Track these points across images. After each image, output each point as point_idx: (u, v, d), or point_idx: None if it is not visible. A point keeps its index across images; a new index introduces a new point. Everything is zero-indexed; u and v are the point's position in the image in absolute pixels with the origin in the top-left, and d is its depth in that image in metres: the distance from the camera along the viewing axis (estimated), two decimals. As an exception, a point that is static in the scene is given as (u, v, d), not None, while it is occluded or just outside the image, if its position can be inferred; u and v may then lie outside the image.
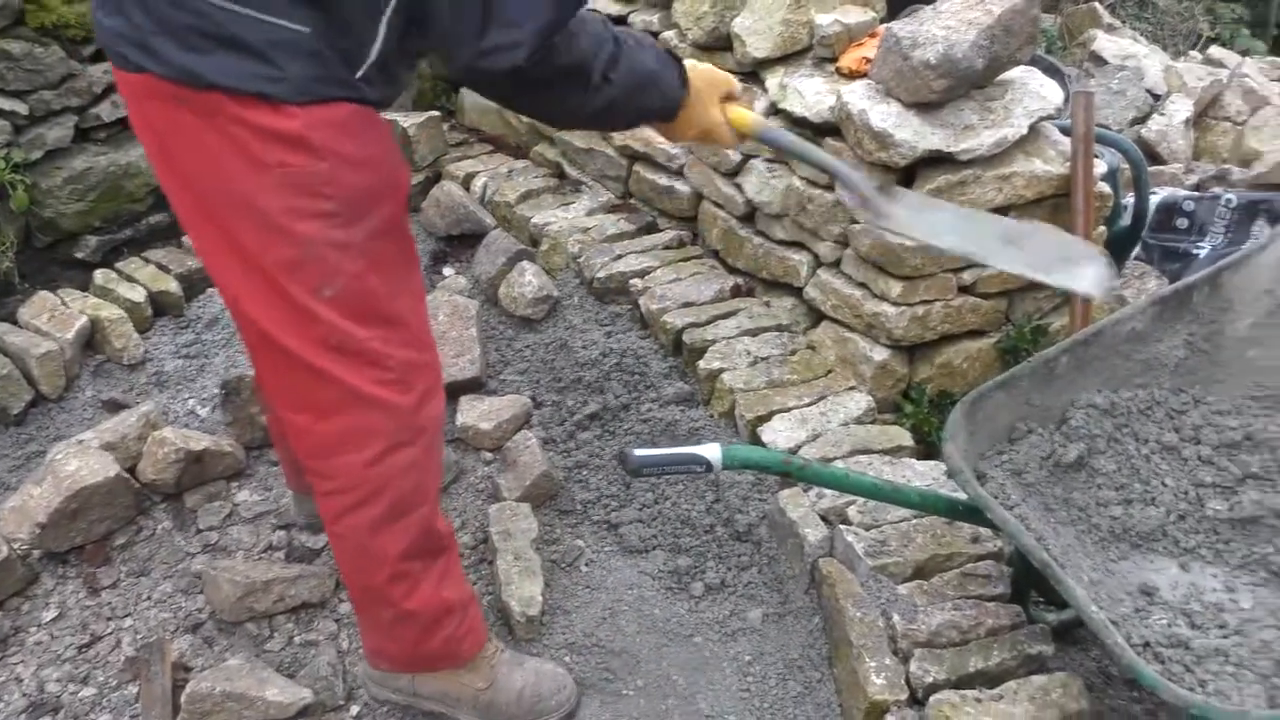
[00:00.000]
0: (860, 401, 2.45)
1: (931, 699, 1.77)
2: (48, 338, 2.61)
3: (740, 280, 2.85)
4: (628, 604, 2.21)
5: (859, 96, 2.40)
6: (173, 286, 2.87)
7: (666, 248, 3.01)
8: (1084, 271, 1.76)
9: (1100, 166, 2.57)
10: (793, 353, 2.62)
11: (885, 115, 2.34)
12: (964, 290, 2.48)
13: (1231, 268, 1.96)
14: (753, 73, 2.76)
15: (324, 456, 1.67)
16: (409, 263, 1.65)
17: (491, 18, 1.38)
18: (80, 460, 2.22)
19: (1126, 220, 2.89)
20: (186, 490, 2.35)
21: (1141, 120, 4.20)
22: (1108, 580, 1.73)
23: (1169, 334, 1.95)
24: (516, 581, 2.15)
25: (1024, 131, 2.37)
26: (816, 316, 2.67)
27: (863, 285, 2.51)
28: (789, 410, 2.43)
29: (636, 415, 2.57)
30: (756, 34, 2.70)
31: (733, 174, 2.83)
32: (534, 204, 3.26)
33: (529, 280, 2.89)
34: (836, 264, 2.59)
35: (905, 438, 2.37)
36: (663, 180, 3.09)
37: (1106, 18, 5.36)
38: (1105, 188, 2.56)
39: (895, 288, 2.41)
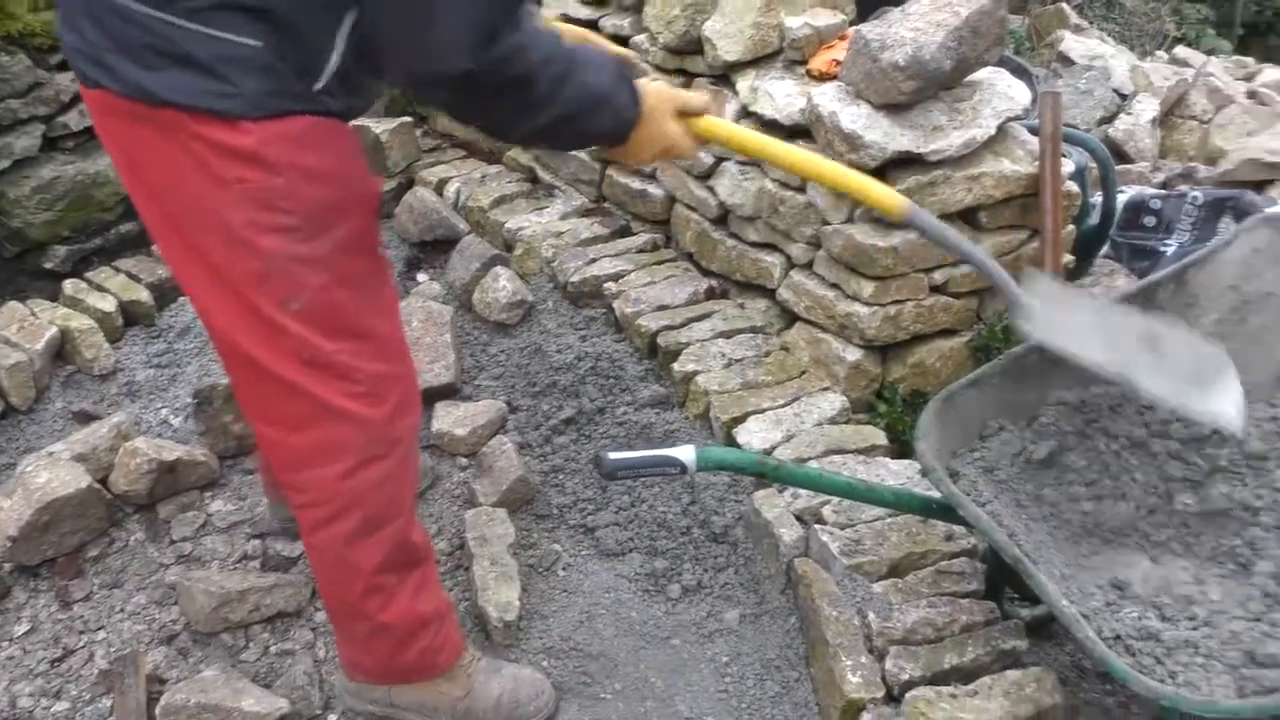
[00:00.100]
0: (834, 402, 2.47)
1: (907, 696, 1.78)
2: (17, 349, 2.59)
3: (714, 283, 2.86)
4: (605, 607, 2.21)
5: (829, 99, 2.42)
6: (144, 296, 2.85)
7: (640, 251, 3.02)
8: (1221, 400, 1.69)
9: (1068, 166, 2.59)
10: (767, 354, 2.63)
11: (855, 117, 2.36)
12: (935, 290, 2.50)
13: (1196, 264, 1.98)
14: (723, 76, 2.77)
15: (296, 469, 1.67)
16: (378, 276, 1.64)
17: (429, 22, 1.35)
18: (51, 472, 2.20)
19: (1095, 219, 2.92)
20: (160, 501, 2.34)
21: (1109, 119, 4.25)
22: (1079, 575, 1.74)
23: (1137, 331, 1.96)
24: (493, 587, 2.15)
25: (992, 132, 2.39)
26: (790, 318, 2.68)
27: (835, 286, 2.52)
28: (763, 411, 2.44)
29: (612, 419, 2.58)
30: (727, 37, 2.72)
31: (705, 177, 2.84)
32: (507, 209, 3.26)
33: (503, 285, 2.88)
34: (809, 265, 2.60)
35: (879, 437, 2.38)
36: (636, 184, 3.10)
37: (1074, 18, 5.42)
38: (1073, 186, 2.58)
39: (867, 288, 2.42)
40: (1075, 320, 1.80)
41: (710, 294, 2.84)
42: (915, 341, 2.54)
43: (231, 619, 2.09)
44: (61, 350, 2.70)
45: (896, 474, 2.23)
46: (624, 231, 3.13)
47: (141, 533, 2.29)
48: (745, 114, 2.67)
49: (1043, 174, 2.43)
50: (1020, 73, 2.95)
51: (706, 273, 2.90)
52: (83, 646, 2.08)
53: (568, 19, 3.22)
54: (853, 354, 2.49)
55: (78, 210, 2.91)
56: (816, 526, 2.12)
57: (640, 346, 2.73)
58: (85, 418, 2.55)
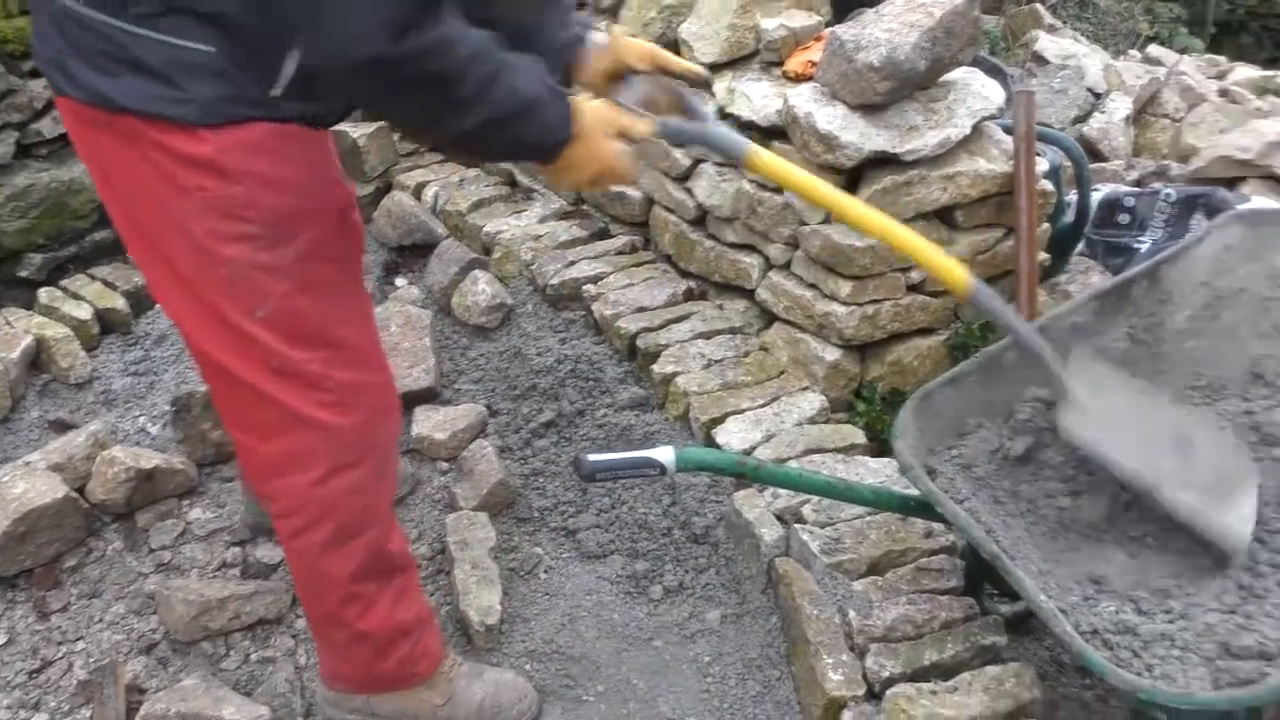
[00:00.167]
0: (813, 401, 2.48)
1: (888, 693, 1.79)
2: (-8, 358, 2.57)
3: (693, 284, 2.87)
4: (587, 609, 2.21)
5: (805, 99, 2.43)
6: (120, 303, 2.84)
7: (619, 253, 3.02)
8: (1235, 517, 1.69)
9: (1043, 164, 2.61)
10: (746, 354, 2.64)
11: (831, 117, 2.37)
12: (913, 289, 2.51)
13: (1169, 261, 2.00)
14: (700, 78, 2.78)
15: (269, 478, 1.68)
16: (346, 284, 1.62)
17: (330, 6, 1.28)
18: (27, 482, 2.18)
19: (1070, 217, 2.94)
20: (138, 509, 2.32)
21: (1083, 118, 4.28)
22: (1057, 570, 1.75)
23: (1111, 327, 1.98)
24: (474, 591, 2.15)
25: (967, 131, 2.41)
26: (769, 318, 2.69)
27: (813, 286, 2.53)
28: (743, 412, 2.45)
29: (592, 421, 2.58)
30: (703, 39, 2.73)
31: (683, 178, 2.84)
32: (486, 212, 3.26)
33: (482, 289, 2.88)
34: (787, 265, 2.61)
35: (858, 436, 2.39)
36: (613, 186, 3.09)
37: (1048, 18, 5.46)
38: (1048, 185, 2.60)
39: (845, 288, 2.43)
40: (1112, 411, 1.80)
41: (689, 295, 2.84)
42: (893, 340, 2.55)
43: (211, 627, 2.08)
44: (37, 359, 2.68)
45: (876, 472, 2.24)
46: (602, 234, 3.13)
47: (120, 542, 2.28)
48: (722, 116, 2.67)
49: (1017, 173, 2.45)
50: (995, 72, 2.98)
51: (685, 274, 2.90)
52: (61, 657, 2.06)
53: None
54: (831, 353, 2.50)
55: (52, 218, 2.89)
56: (797, 526, 2.13)
57: (620, 348, 2.73)
58: (62, 427, 2.53)
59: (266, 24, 1.32)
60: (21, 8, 2.75)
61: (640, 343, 2.67)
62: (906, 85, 2.36)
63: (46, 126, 2.84)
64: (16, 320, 2.72)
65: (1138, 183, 3.67)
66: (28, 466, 2.25)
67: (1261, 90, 4.98)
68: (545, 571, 2.30)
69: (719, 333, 2.70)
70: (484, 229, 3.16)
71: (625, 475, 1.72)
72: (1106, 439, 1.77)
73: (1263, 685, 1.43)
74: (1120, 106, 4.30)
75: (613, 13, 3.03)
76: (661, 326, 2.71)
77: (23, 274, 2.88)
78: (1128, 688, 1.46)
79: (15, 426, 2.56)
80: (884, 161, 2.37)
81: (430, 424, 2.54)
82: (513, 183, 3.42)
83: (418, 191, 3.41)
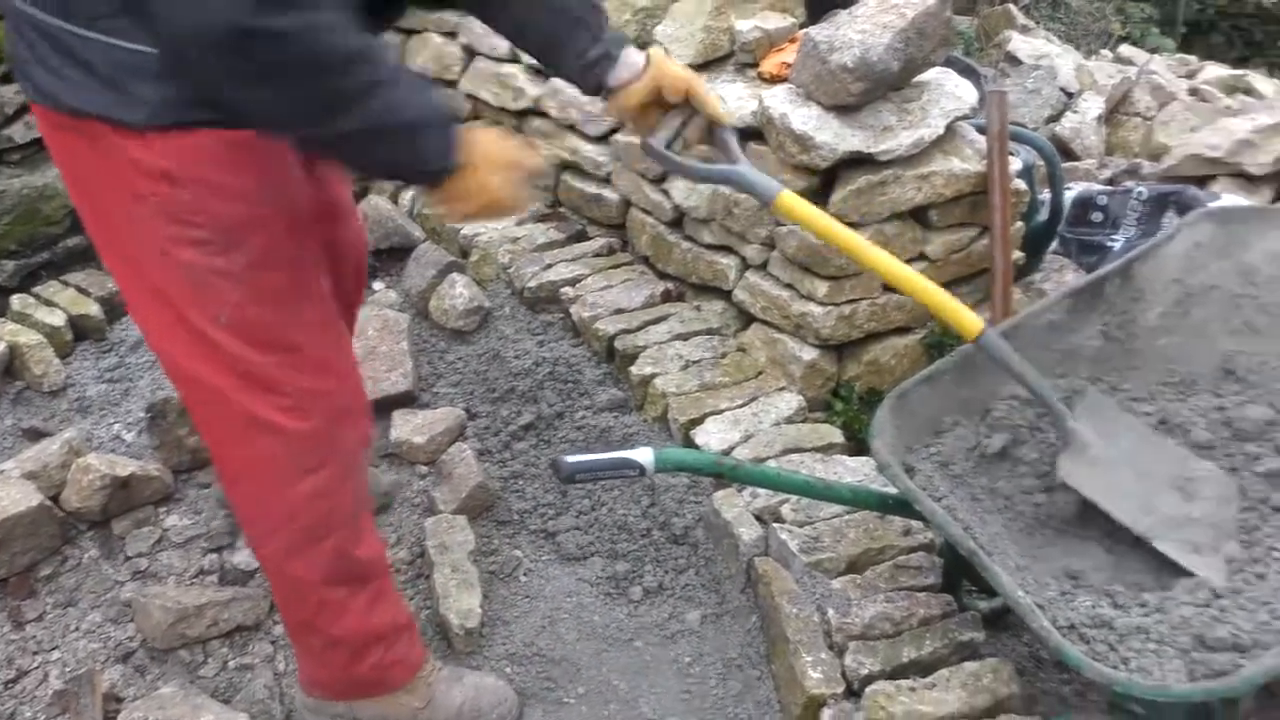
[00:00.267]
0: (791, 401, 2.49)
1: (867, 690, 1.80)
2: (-36, 366, 2.55)
3: (670, 285, 2.87)
4: (567, 612, 2.21)
5: (780, 100, 2.44)
6: (93, 310, 2.82)
7: (596, 255, 3.02)
8: (1219, 566, 1.71)
9: (1016, 164, 2.63)
10: (724, 355, 2.64)
11: (806, 118, 2.38)
12: (888, 288, 2.52)
13: (1141, 258, 2.02)
14: (675, 79, 2.78)
15: (233, 482, 1.69)
16: (301, 292, 1.59)
17: None
18: (1, 491, 2.16)
19: (1044, 215, 2.96)
20: (114, 517, 2.30)
21: (1056, 118, 4.31)
22: (1034, 566, 1.77)
23: (1085, 324, 2.00)
24: (454, 594, 2.14)
25: (941, 131, 2.42)
26: (746, 319, 2.70)
27: (790, 286, 2.54)
28: (721, 412, 2.45)
29: (571, 423, 2.58)
30: (679, 41, 2.73)
31: (660, 180, 2.85)
32: (462, 216, 3.25)
33: (460, 292, 2.88)
34: (764, 266, 2.62)
35: (836, 435, 2.40)
36: (591, 188, 3.10)
37: (1021, 19, 5.50)
38: (1021, 184, 2.62)
39: (821, 288, 2.44)
40: (1114, 453, 1.82)
41: (667, 297, 2.85)
42: (870, 340, 2.56)
43: (189, 634, 2.07)
44: (10, 366, 2.65)
45: (854, 471, 2.25)
46: (580, 236, 3.13)
47: (95, 550, 2.26)
48: (697, 117, 2.68)
49: (991, 172, 2.46)
50: (968, 73, 2.99)
51: (663, 275, 2.91)
52: (37, 667, 2.05)
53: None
54: (808, 353, 2.51)
55: (24, 224, 2.87)
56: (775, 525, 2.14)
57: (598, 350, 2.73)
58: (35, 435, 2.51)
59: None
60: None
61: (618, 344, 2.68)
62: (880, 86, 2.37)
63: (18, 132, 2.82)
64: (-11, 327, 2.70)
65: (1110, 181, 3.70)
66: (1, 475, 2.23)
67: (1231, 89, 5.03)
68: (525, 574, 2.30)
69: (697, 334, 2.71)
70: (461, 232, 3.15)
71: (604, 477, 1.72)
72: (1105, 484, 1.79)
73: (1236, 677, 1.45)
74: (1092, 106, 4.34)
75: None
76: (640, 328, 2.71)
77: (-6, 281, 2.86)
78: (1104, 681, 1.47)
79: (-12, 435, 2.54)
80: (859, 162, 2.38)
81: (409, 428, 2.54)
82: (489, 185, 3.42)
83: (394, 195, 3.41)
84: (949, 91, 2.49)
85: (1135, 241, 3.05)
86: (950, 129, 2.47)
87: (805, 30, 2.48)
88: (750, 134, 2.55)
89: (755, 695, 2.02)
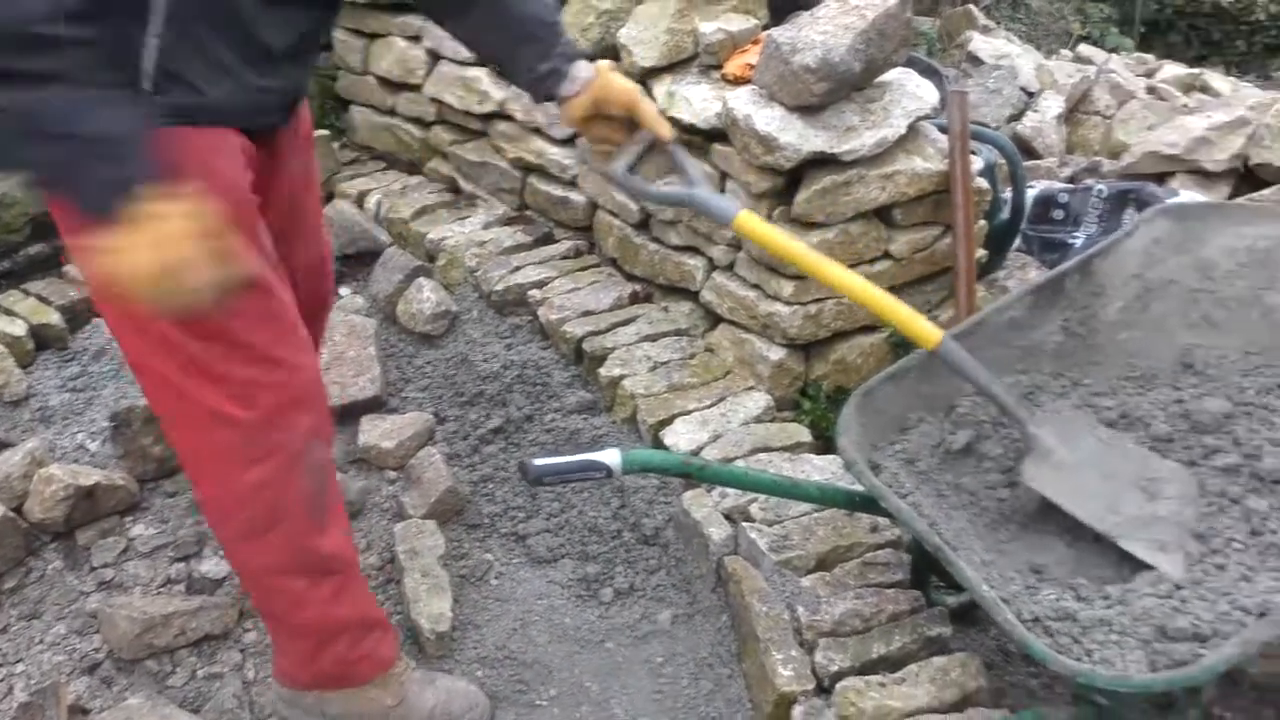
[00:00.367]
0: (759, 401, 2.50)
1: (837, 687, 1.81)
2: (-78, 377, 2.51)
3: (638, 287, 2.88)
4: (538, 614, 2.21)
5: (744, 102, 2.45)
6: (55, 319, 2.78)
7: (564, 258, 3.02)
8: (1180, 562, 1.73)
9: (978, 163, 2.66)
10: (692, 356, 2.65)
11: (770, 119, 2.39)
12: (854, 287, 2.54)
13: (1100, 254, 2.04)
14: (641, 82, 2.79)
15: (189, 467, 1.72)
16: (246, 285, 1.56)
17: None
18: (-38, 502, 2.14)
19: (1006, 214, 2.99)
20: (78, 528, 2.28)
21: (1017, 117, 4.36)
22: (999, 560, 1.78)
23: (1046, 321, 2.02)
24: (425, 599, 2.14)
25: (903, 131, 2.44)
26: (714, 319, 2.71)
27: (756, 286, 2.55)
28: (690, 413, 2.46)
29: (540, 426, 2.58)
30: (642, 44, 2.74)
31: (625, 182, 2.85)
32: (429, 219, 3.25)
33: (427, 296, 2.87)
34: (730, 267, 2.63)
35: (804, 434, 2.41)
36: (557, 191, 3.10)
37: (982, 20, 5.56)
38: (983, 183, 2.65)
39: (787, 288, 2.46)
40: (1077, 456, 1.85)
41: (634, 298, 2.86)
42: (836, 339, 2.58)
43: (156, 644, 2.05)
44: (-30, 377, 2.62)
45: (822, 470, 2.26)
46: (547, 239, 3.13)
47: (60, 561, 2.24)
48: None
49: (953, 171, 2.49)
50: (929, 73, 3.03)
51: (630, 277, 2.91)
52: (0, 680, 2.02)
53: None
54: (776, 353, 2.52)
55: (-17, 233, 2.83)
56: (745, 524, 2.15)
57: (566, 353, 2.73)
58: (-3, 445, 2.48)
59: (117, 20, 1.28)
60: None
61: (587, 346, 2.68)
62: (843, 86, 2.39)
63: (-25, 140, 2.78)
64: (-52, 338, 2.66)
65: (1071, 179, 3.75)
66: (-38, 487, 2.20)
67: (1188, 87, 5.11)
68: (496, 577, 2.30)
69: (665, 335, 2.72)
70: (428, 236, 3.14)
71: (572, 479, 1.72)
72: (1069, 487, 1.82)
73: (1197, 666, 1.47)
74: (1053, 105, 4.39)
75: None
76: (608, 330, 2.72)
77: (-46, 290, 2.82)
78: (1067, 673, 1.49)
79: (-51, 446, 2.50)
80: (823, 162, 2.40)
81: (377, 433, 2.53)
82: (455, 189, 3.42)
83: (360, 200, 3.39)
84: (910, 91, 2.52)
85: (1096, 238, 3.09)
86: (913, 129, 2.49)
87: (768, 32, 2.50)
88: (715, 135, 2.57)
89: (727, 694, 2.03)
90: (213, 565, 2.24)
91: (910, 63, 2.75)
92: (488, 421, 2.59)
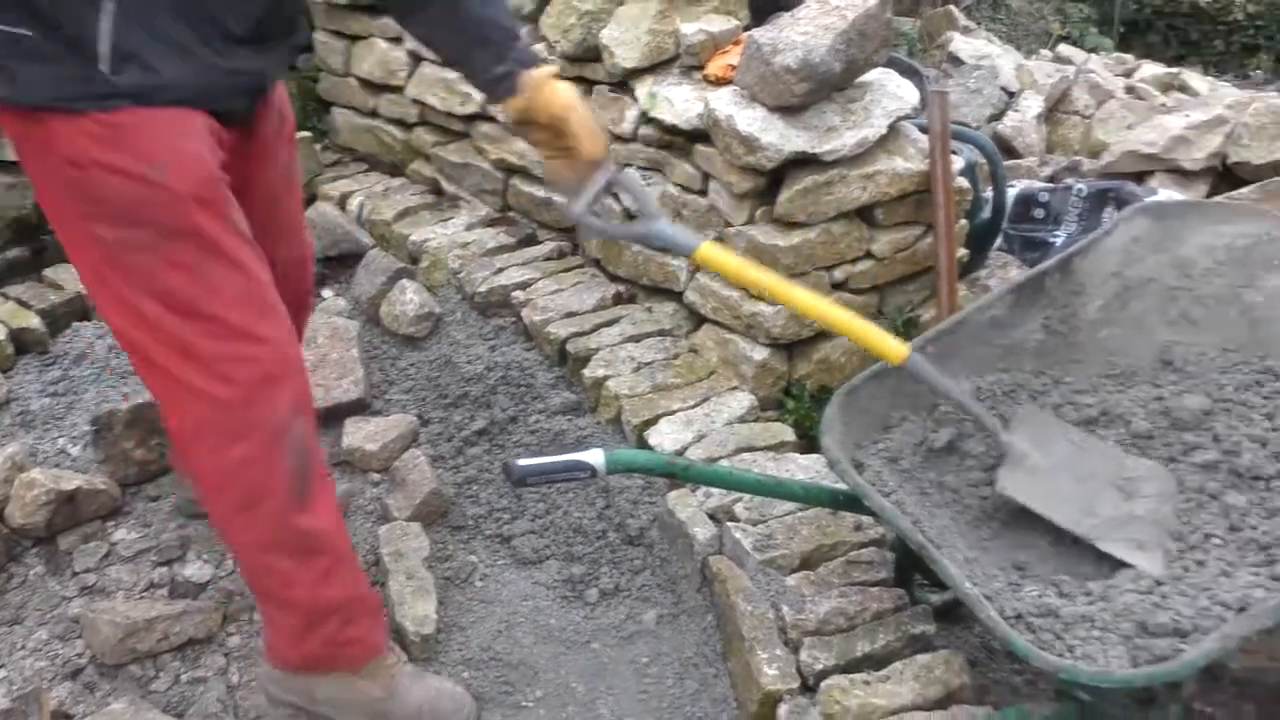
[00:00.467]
0: (743, 401, 2.50)
1: (822, 685, 1.82)
2: (-99, 382, 2.49)
3: (621, 288, 2.88)
4: (524, 615, 2.21)
5: (725, 102, 2.46)
6: (35, 323, 2.77)
7: (547, 259, 3.02)
8: (1159, 559, 1.75)
9: (959, 162, 2.67)
10: (676, 356, 2.66)
11: (751, 120, 2.40)
12: (836, 287, 2.55)
13: (1081, 253, 2.06)
14: (623, 83, 2.79)
15: (181, 446, 1.75)
16: (217, 261, 1.60)
17: None
18: (-58, 508, 2.12)
19: (987, 213, 3.01)
20: (60, 532, 2.26)
21: (997, 116, 4.39)
22: (982, 557, 1.80)
23: (1027, 319, 2.04)
24: (409, 601, 2.13)
25: (884, 131, 2.45)
26: (697, 320, 2.71)
27: (739, 286, 2.56)
28: (674, 413, 2.47)
29: (524, 427, 2.58)
30: (624, 45, 2.74)
31: (609, 184, 2.85)
32: (412, 221, 3.24)
33: (410, 298, 2.87)
34: (713, 267, 2.64)
35: (788, 434, 2.42)
36: (540, 192, 3.10)
37: (963, 20, 5.58)
38: (964, 182, 2.66)
39: (770, 288, 2.46)
40: (1052, 460, 1.86)
41: (618, 299, 2.86)
42: (820, 338, 2.59)
43: (139, 649, 2.04)
44: (-51, 382, 2.60)
45: (806, 469, 2.27)
46: (530, 240, 3.13)
47: (41, 566, 2.22)
48: (645, 120, 2.69)
49: (934, 171, 2.50)
50: (910, 73, 3.04)
51: (614, 278, 2.92)
52: (-18, 686, 2.01)
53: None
54: (759, 353, 2.53)
55: (-39, 236, 2.81)
56: (729, 524, 2.15)
57: (550, 354, 2.73)
58: (-23, 450, 2.46)
59: (70, 3, 1.34)
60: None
61: (570, 348, 2.68)
62: (823, 87, 2.40)
63: (-46, 145, 2.77)
64: (-74, 342, 2.64)
65: (1051, 178, 3.77)
66: (-58, 492, 2.19)
67: (1166, 87, 5.15)
68: (481, 579, 2.30)
69: (649, 335, 2.72)
70: (410, 238, 3.14)
71: (556, 479, 1.72)
72: (1045, 492, 1.83)
73: (1177, 661, 1.48)
74: (1033, 105, 4.42)
75: (533, 19, 3.03)
76: (591, 331, 2.72)
77: (-68, 295, 2.80)
78: (1050, 669, 1.50)
79: (-72, 452, 2.48)
80: (804, 162, 2.41)
81: (361, 435, 2.52)
82: (438, 191, 3.41)
83: (342, 202, 3.39)
84: (891, 92, 2.53)
85: (1076, 237, 3.11)
86: (893, 129, 2.51)
87: (749, 33, 2.51)
88: (697, 136, 2.57)
89: (712, 693, 2.03)
90: (196, 569, 2.23)
91: (891, 63, 2.77)
92: (472, 423, 2.59)
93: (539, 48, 3.02)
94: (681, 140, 2.62)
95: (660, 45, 2.73)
